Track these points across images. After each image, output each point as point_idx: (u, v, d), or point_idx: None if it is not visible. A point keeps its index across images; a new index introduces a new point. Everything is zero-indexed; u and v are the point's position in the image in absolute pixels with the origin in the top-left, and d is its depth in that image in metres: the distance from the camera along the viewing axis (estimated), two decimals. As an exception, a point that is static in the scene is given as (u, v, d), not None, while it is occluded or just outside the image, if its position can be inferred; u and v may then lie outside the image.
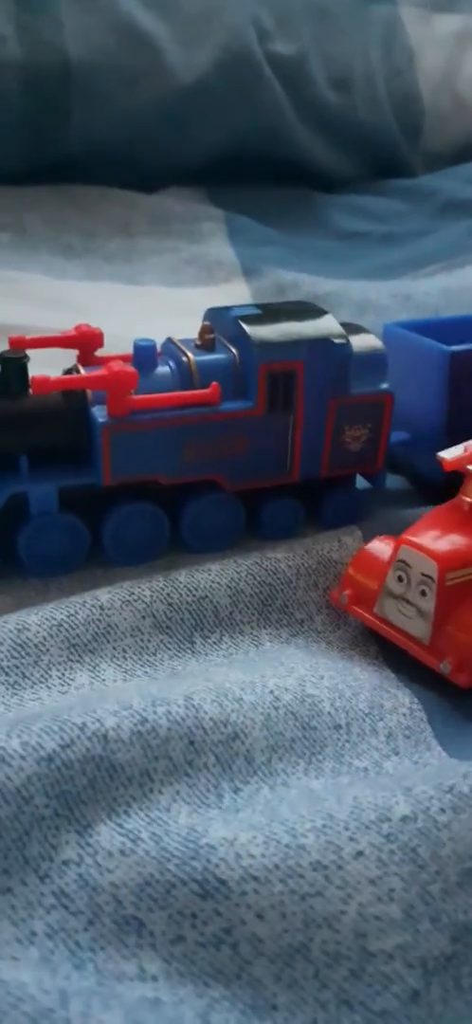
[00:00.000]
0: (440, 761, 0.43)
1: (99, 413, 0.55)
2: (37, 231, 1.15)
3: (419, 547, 0.50)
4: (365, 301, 0.97)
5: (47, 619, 0.48)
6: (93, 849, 0.35)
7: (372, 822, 0.36)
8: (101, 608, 0.50)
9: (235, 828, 0.36)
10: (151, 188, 1.29)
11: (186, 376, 0.58)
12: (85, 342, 0.60)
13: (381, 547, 0.54)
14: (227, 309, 0.62)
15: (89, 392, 0.56)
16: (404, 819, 0.37)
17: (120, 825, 0.36)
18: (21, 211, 1.17)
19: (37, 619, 0.48)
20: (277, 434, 0.60)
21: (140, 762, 0.39)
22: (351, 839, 0.35)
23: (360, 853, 0.35)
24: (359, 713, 0.46)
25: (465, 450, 0.52)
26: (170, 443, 0.57)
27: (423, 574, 0.49)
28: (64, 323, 0.91)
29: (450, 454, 0.53)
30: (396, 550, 0.51)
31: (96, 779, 0.38)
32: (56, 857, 0.35)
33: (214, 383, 0.57)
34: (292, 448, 0.60)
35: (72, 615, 0.49)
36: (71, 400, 0.55)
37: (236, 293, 1.05)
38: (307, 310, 0.62)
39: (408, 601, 0.50)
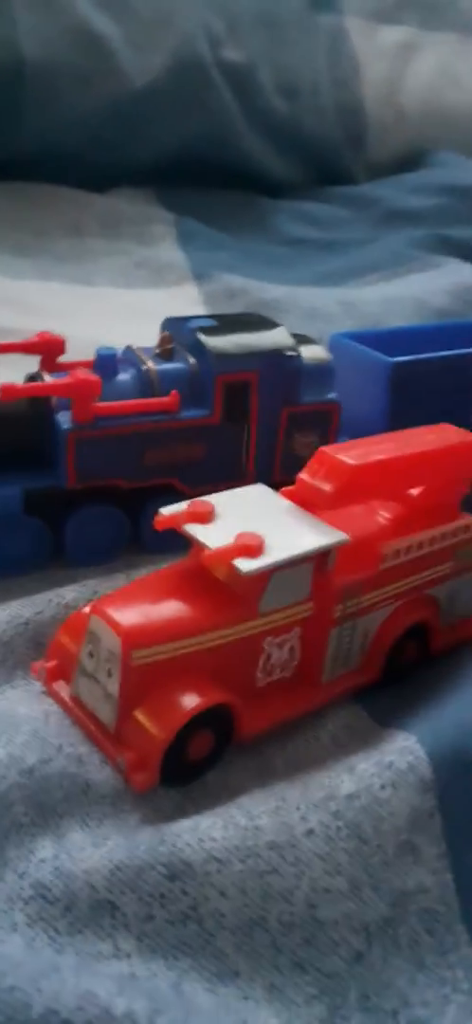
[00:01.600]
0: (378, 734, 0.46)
1: (63, 419, 0.57)
2: (-12, 228, 1.15)
3: (106, 617, 0.42)
4: (312, 308, 1.01)
5: (14, 616, 0.50)
6: (67, 847, 0.38)
7: (320, 801, 0.40)
8: (66, 607, 0.52)
9: (196, 818, 0.39)
10: (102, 188, 1.31)
11: (147, 384, 0.60)
12: (48, 349, 0.62)
13: None
14: (185, 319, 0.65)
15: (53, 398, 0.58)
16: (349, 797, 0.40)
17: (92, 833, 0.39)
18: (-28, 207, 1.17)
19: (4, 616, 0.50)
20: (232, 441, 0.63)
21: (113, 783, 0.41)
22: (302, 819, 0.39)
23: (311, 831, 0.38)
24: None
25: (189, 506, 0.47)
26: (132, 449, 0.59)
27: (109, 650, 0.42)
28: (16, 323, 0.92)
29: (170, 510, 0.47)
30: (88, 617, 0.44)
31: (71, 794, 0.40)
32: (33, 858, 0.37)
33: (174, 391, 0.60)
34: (247, 454, 0.64)
35: (38, 613, 0.51)
36: (36, 406, 0.57)
37: (186, 296, 1.07)
38: (261, 322, 0.65)
39: (97, 680, 0.43)
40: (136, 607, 0.43)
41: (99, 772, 0.41)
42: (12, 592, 0.57)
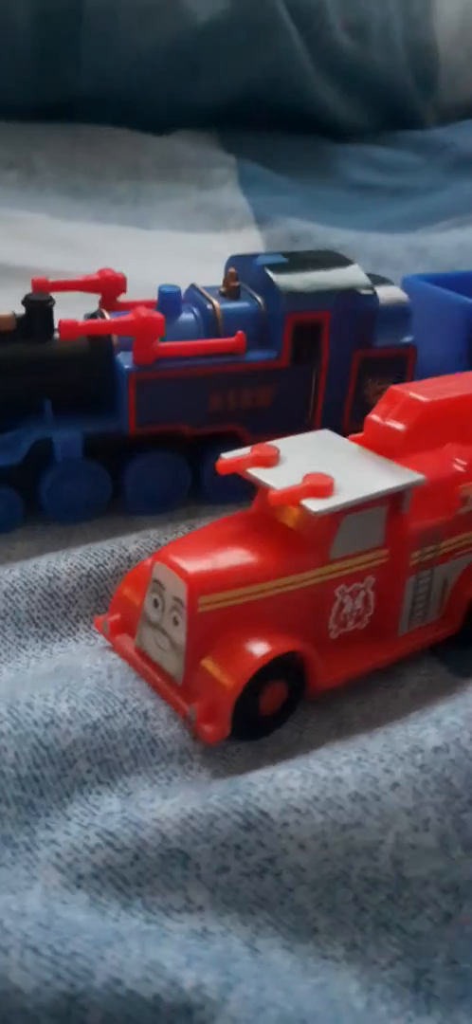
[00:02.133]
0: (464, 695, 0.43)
1: (125, 360, 0.54)
2: (45, 171, 1.13)
3: (170, 564, 0.40)
4: (380, 254, 0.96)
5: (76, 568, 0.48)
6: (135, 800, 0.36)
7: (406, 753, 0.38)
8: (129, 559, 0.50)
9: (272, 768, 0.37)
10: (161, 130, 1.27)
11: (211, 324, 0.57)
12: (108, 287, 0.59)
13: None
14: (252, 257, 0.61)
15: (114, 338, 0.55)
16: (436, 750, 0.38)
17: (161, 789, 0.37)
18: (29, 149, 1.15)
19: (67, 567, 0.48)
20: (300, 386, 0.59)
21: (180, 740, 0.40)
22: (386, 771, 0.37)
23: (396, 784, 0.36)
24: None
25: (252, 449, 0.44)
26: (195, 392, 0.56)
27: (175, 597, 0.40)
28: (72, 266, 0.90)
29: (232, 454, 0.44)
30: (151, 567, 0.42)
31: (137, 751, 0.38)
32: (99, 811, 0.35)
33: (240, 332, 0.56)
34: (314, 400, 0.60)
35: (101, 565, 0.49)
36: (97, 345, 0.55)
37: (248, 241, 1.04)
38: (334, 260, 0.61)
39: (163, 631, 0.41)
40: (201, 553, 0.41)
41: (166, 728, 0.40)
42: (72, 539, 0.55)
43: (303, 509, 0.40)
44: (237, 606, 0.40)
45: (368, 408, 0.62)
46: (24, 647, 0.46)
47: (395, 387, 0.48)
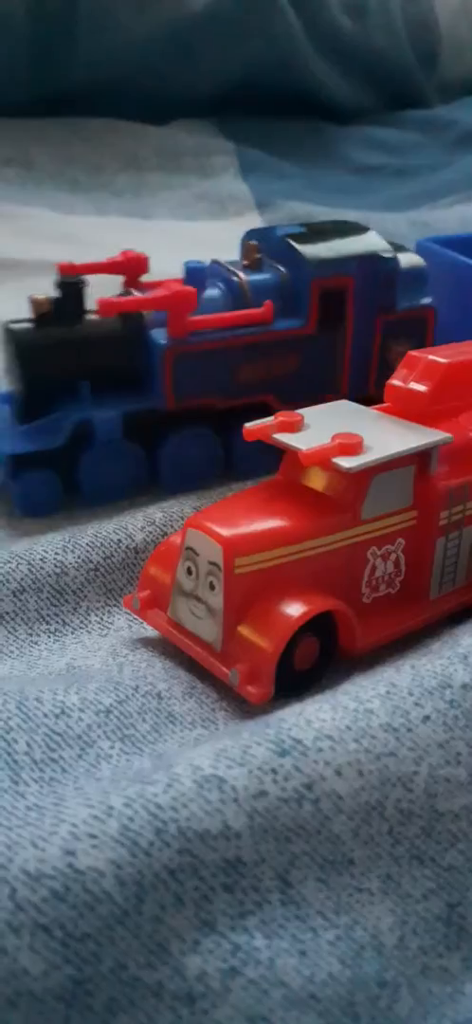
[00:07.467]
0: None
1: (159, 336, 0.55)
2: (43, 165, 1.13)
3: (204, 529, 0.40)
4: (383, 231, 0.95)
5: (84, 563, 0.48)
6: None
7: (434, 688, 0.37)
8: (136, 551, 0.50)
9: (300, 705, 0.37)
10: (160, 120, 1.27)
11: (238, 296, 0.58)
12: (131, 267, 0.60)
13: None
14: (271, 229, 0.62)
15: (145, 316, 0.56)
16: (465, 687, 0.38)
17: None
18: (27, 144, 1.15)
19: (74, 561, 0.48)
20: (327, 352, 0.60)
21: (198, 712, 0.40)
22: (416, 704, 0.37)
23: (427, 717, 0.36)
24: None
25: (277, 416, 0.45)
26: (226, 364, 0.57)
27: (210, 562, 0.40)
28: (73, 258, 0.90)
29: (258, 423, 0.44)
30: (184, 535, 0.42)
31: (158, 724, 0.39)
32: (131, 771, 0.35)
33: (268, 301, 0.57)
34: (341, 366, 0.61)
35: (108, 558, 0.49)
36: (130, 323, 0.55)
37: (249, 226, 1.03)
38: (351, 227, 0.62)
39: (198, 598, 0.41)
40: (234, 518, 0.42)
41: (182, 704, 0.40)
42: (97, 515, 0.54)
43: (335, 467, 0.41)
44: (272, 568, 0.41)
45: (392, 372, 0.64)
46: (36, 644, 0.46)
47: (413, 352, 0.48)
